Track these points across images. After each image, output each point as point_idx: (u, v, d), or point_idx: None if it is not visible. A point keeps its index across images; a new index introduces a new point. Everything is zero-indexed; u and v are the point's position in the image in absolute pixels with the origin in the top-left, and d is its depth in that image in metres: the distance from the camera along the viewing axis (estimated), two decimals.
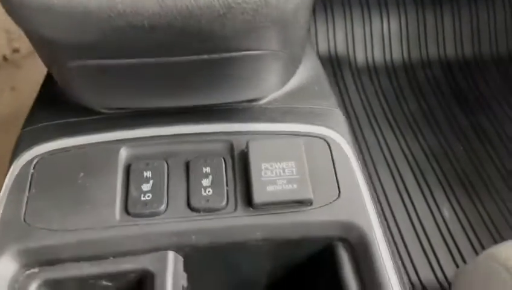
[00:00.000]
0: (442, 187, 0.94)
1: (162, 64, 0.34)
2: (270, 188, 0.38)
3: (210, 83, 0.38)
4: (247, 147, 0.40)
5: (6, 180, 0.39)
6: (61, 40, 0.29)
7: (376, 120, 1.06)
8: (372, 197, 0.39)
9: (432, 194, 0.92)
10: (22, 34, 1.04)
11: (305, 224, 0.38)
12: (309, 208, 0.38)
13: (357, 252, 0.37)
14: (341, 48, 1.17)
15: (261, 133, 0.42)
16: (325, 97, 0.46)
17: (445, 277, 0.80)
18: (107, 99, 0.40)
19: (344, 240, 0.38)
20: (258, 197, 0.37)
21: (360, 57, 1.16)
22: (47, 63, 0.36)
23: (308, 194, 0.38)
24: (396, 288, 0.34)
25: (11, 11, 0.29)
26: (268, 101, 0.45)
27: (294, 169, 0.39)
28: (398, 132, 1.05)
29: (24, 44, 1.10)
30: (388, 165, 0.97)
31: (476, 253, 0.84)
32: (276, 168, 0.39)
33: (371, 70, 1.16)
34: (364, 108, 1.10)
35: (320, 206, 0.38)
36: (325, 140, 0.42)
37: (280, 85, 0.43)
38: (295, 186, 0.38)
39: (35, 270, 0.35)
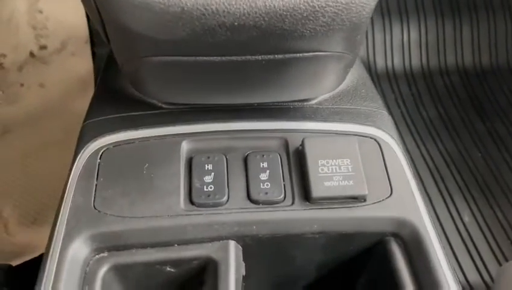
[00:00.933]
0: (463, 194, 0.96)
1: (234, 62, 0.36)
2: (327, 183, 0.39)
3: (273, 82, 0.40)
4: (302, 144, 0.41)
5: (73, 169, 0.40)
6: (151, 36, 0.31)
7: (396, 125, 1.08)
8: (423, 195, 0.41)
9: (452, 201, 0.94)
10: (49, 31, 1.05)
11: (360, 219, 0.39)
12: (363, 204, 0.39)
13: (410, 248, 0.39)
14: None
15: (314, 132, 0.44)
16: (373, 99, 0.48)
17: (467, 281, 0.81)
18: (172, 95, 0.42)
19: (396, 236, 0.39)
20: (316, 191, 0.39)
21: (380, 64, 1.18)
22: (122, 58, 0.38)
23: (364, 191, 0.39)
24: (452, 283, 0.36)
25: (107, 4, 0.30)
26: (319, 101, 0.46)
27: (349, 166, 0.40)
28: (417, 138, 1.07)
29: (51, 41, 1.12)
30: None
31: (496, 257, 0.85)
32: (332, 165, 0.40)
33: (391, 76, 1.18)
34: None
35: (374, 203, 0.40)
36: (375, 140, 0.44)
37: (335, 86, 0.45)
38: (351, 182, 0.40)
39: (105, 254, 0.37)
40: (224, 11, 0.29)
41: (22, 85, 1.05)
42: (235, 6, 0.29)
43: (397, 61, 1.19)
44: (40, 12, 1.13)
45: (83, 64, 1.09)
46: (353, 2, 0.30)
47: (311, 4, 0.29)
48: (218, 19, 0.29)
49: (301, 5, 0.29)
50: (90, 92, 1.06)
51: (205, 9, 0.29)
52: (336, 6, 0.30)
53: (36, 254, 0.71)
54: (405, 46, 1.20)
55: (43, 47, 1.10)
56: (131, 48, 0.34)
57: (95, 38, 1.12)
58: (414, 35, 1.21)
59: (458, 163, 1.02)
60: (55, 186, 0.87)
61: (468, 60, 1.21)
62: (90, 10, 0.37)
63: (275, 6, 0.29)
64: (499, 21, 1.22)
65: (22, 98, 1.03)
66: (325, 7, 0.30)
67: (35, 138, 0.96)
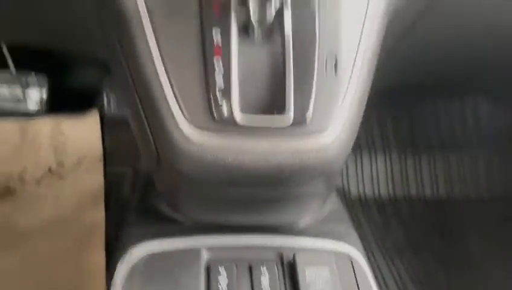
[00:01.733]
0: None
1: (246, 194, 0.52)
2: (311, 288, 0.53)
3: (274, 208, 0.56)
4: (294, 257, 0.56)
5: (116, 273, 0.53)
6: (196, 177, 0.47)
7: (370, 246, 1.23)
8: None
9: None
10: (68, 150, 1.22)
11: None
12: None
13: None
14: (338, 185, 1.38)
15: (302, 248, 0.59)
16: (345, 222, 0.65)
17: None
18: (196, 213, 0.58)
19: None
20: None
21: (353, 192, 1.38)
22: (163, 185, 0.54)
23: None
24: None
25: (170, 155, 0.46)
26: (305, 223, 0.62)
27: (328, 275, 0.54)
28: (388, 259, 1.21)
29: (69, 158, 1.27)
30: None
31: None
32: (315, 273, 0.55)
33: (363, 203, 1.37)
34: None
35: None
36: (348, 256, 0.59)
37: (316, 213, 0.61)
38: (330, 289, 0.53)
39: None
40: (248, 165, 0.45)
41: (38, 196, 1.17)
42: (253, 164, 0.45)
43: (368, 190, 1.39)
44: (62, 134, 1.31)
45: (95, 180, 1.23)
46: (330, 160, 0.47)
47: (301, 162, 0.46)
48: (242, 172, 0.46)
49: (294, 162, 0.46)
50: (101, 205, 1.19)
51: (234, 163, 0.45)
52: (318, 162, 0.47)
53: None
54: (374, 177, 1.41)
55: (60, 164, 1.25)
56: (176, 183, 0.51)
57: (106, 158, 1.29)
58: (381, 168, 1.42)
59: (425, 286, 1.15)
60: None
61: (428, 190, 1.42)
62: (149, 156, 0.53)
63: (279, 163, 0.46)
64: (452, 157, 1.46)
65: (37, 208, 1.15)
66: (310, 164, 0.46)
67: (48, 247, 1.06)
